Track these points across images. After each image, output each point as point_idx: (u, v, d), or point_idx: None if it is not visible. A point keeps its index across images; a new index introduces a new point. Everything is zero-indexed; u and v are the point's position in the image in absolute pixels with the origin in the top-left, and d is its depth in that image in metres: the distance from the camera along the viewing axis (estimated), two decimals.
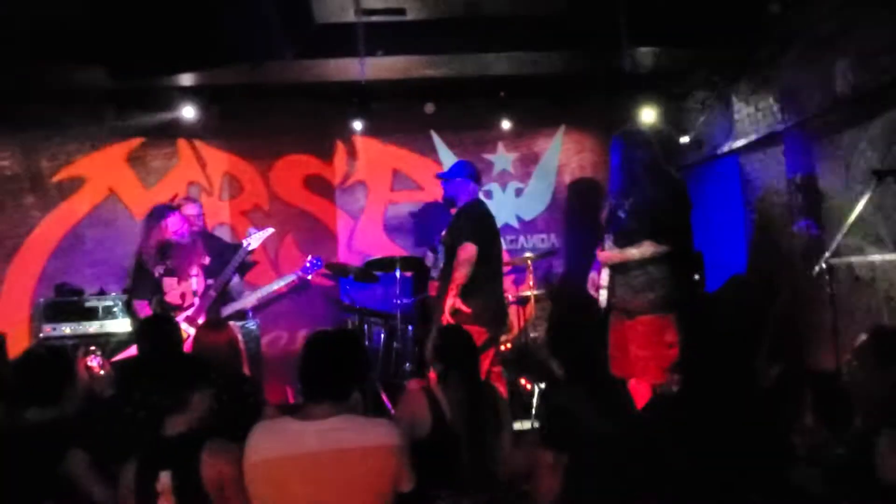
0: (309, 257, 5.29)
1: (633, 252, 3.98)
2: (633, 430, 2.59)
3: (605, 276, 4.11)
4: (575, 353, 2.81)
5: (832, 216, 4.15)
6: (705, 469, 2.52)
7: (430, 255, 4.84)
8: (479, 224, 4.35)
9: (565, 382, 2.78)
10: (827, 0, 3.99)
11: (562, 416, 2.60)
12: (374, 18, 4.38)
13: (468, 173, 4.61)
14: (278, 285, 5.23)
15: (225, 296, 4.72)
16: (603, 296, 4.10)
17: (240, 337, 3.25)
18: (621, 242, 4.05)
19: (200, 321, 4.35)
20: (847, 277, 3.99)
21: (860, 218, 3.52)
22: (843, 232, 3.58)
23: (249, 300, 4.90)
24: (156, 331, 2.90)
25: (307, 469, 1.98)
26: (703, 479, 2.53)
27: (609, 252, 4.10)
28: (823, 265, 3.59)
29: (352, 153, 6.16)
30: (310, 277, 5.28)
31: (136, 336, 3.06)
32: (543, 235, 6.26)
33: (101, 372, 3.03)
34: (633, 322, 3.98)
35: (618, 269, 4.05)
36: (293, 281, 5.27)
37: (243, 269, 4.76)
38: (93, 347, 3.14)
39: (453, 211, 4.63)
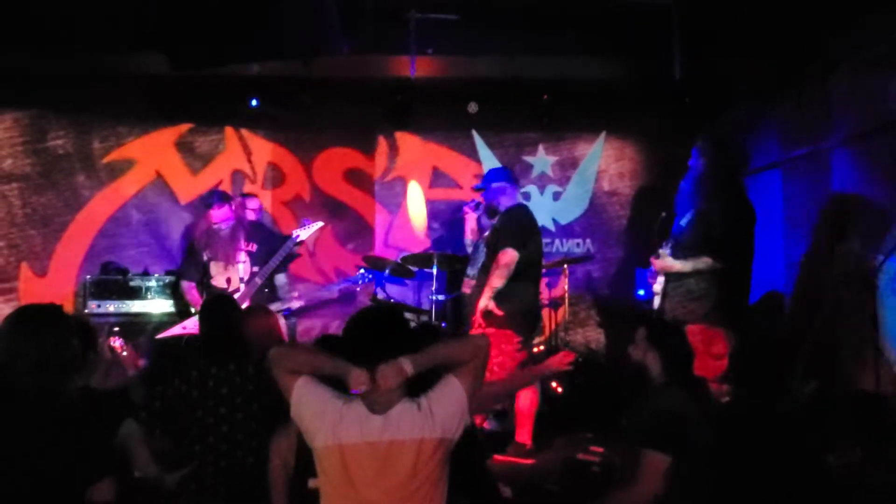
0: (361, 270, 5.26)
1: (688, 265, 4.10)
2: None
3: (660, 281, 4.22)
4: (672, 354, 2.75)
5: (877, 235, 4.10)
6: (743, 482, 2.53)
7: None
8: (522, 230, 4.37)
9: (664, 384, 2.70)
10: (881, 21, 3.96)
11: (671, 419, 2.56)
12: (427, 16, 4.44)
13: (504, 177, 4.63)
14: (327, 291, 5.25)
15: (272, 293, 4.76)
16: (657, 301, 4.19)
17: (283, 323, 3.32)
18: (679, 253, 4.16)
19: (245, 306, 4.44)
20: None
21: None
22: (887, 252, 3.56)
23: (295, 303, 4.93)
24: (217, 311, 2.94)
25: (376, 456, 2.03)
26: (740, 492, 2.54)
27: (664, 261, 4.21)
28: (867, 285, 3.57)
29: (393, 149, 6.23)
30: (358, 289, 5.28)
31: (199, 315, 3.11)
32: (579, 240, 6.27)
33: (124, 353, 3.10)
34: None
35: (672, 277, 4.17)
36: (342, 288, 5.27)
37: (286, 260, 4.82)
38: (116, 329, 3.23)
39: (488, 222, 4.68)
